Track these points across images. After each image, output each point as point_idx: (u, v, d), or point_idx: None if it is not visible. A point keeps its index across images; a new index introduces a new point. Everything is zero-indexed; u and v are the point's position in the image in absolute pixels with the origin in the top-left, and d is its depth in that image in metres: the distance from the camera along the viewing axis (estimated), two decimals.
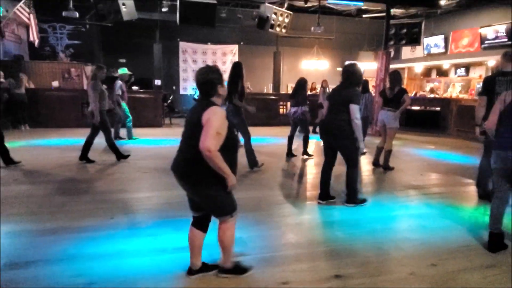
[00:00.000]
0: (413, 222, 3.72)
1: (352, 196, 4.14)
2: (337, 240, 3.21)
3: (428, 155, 7.40)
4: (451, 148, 8.26)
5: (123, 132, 8.30)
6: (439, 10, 13.16)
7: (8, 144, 5.54)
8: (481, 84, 13.28)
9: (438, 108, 11.02)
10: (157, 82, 14.22)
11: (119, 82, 8.02)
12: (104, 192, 4.42)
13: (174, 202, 4.08)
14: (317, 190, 4.47)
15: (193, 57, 16.00)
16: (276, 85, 15.45)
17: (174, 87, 15.72)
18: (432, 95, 13.85)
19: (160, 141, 8.31)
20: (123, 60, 15.16)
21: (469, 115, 9.91)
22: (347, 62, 4.20)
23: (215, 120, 2.12)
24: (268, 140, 8.54)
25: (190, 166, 2.25)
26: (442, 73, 15.33)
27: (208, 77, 2.26)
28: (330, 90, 10.46)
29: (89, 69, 13.44)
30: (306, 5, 11.31)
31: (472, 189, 5.01)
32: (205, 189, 2.28)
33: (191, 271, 2.51)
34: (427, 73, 16.23)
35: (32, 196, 4.16)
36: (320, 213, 3.99)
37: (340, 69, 16.96)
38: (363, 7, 13.39)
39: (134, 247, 2.96)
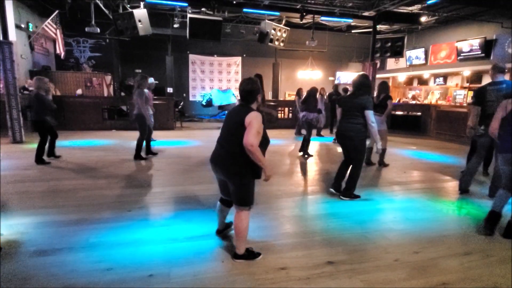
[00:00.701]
0: (397, 214, 3.71)
1: (350, 191, 4.16)
2: (330, 230, 3.20)
3: (411, 154, 7.38)
4: (430, 148, 8.23)
5: None
6: (420, 26, 13.16)
7: (37, 145, 5.56)
8: (457, 91, 13.29)
9: (419, 113, 10.98)
10: (169, 90, 14.25)
11: (145, 90, 8.08)
12: (122, 188, 4.42)
13: (185, 197, 4.09)
14: (313, 186, 4.50)
15: (201, 68, 16.01)
16: (275, 92, 15.45)
17: (184, 94, 15.73)
18: (413, 102, 13.82)
19: (172, 142, 8.31)
20: (139, 70, 15.18)
21: (446, 119, 9.90)
22: (361, 73, 4.21)
23: (256, 122, 2.33)
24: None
25: (231, 159, 2.44)
26: (422, 82, 15.29)
27: (251, 88, 2.47)
28: (327, 96, 10.55)
29: (108, 78, 13.50)
30: (301, 22, 11.31)
31: (449, 184, 5.01)
32: (241, 179, 2.45)
33: (219, 231, 2.97)
34: (409, 82, 16.20)
35: (58, 191, 4.17)
36: (314, 206, 3.99)
37: (332, 78, 17.09)
38: (352, 24, 13.40)
39: (149, 236, 2.96)
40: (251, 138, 2.27)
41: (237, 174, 2.44)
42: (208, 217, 3.43)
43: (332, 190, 4.33)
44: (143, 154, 6.21)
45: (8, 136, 7.51)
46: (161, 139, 8.61)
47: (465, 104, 11.26)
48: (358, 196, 4.18)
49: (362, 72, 4.29)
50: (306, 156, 6.79)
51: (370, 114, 3.82)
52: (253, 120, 2.33)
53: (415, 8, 10.78)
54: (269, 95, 15.99)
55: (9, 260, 2.49)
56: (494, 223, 3.15)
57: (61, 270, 2.37)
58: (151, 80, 8.39)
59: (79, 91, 11.85)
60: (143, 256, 2.60)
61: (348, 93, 9.35)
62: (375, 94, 6.24)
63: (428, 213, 3.74)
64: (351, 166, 4.15)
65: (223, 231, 2.99)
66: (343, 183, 4.28)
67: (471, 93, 12.10)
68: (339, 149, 4.36)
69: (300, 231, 3.19)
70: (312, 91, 6.85)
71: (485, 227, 3.17)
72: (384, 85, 5.99)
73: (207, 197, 4.07)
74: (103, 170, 5.30)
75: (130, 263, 2.49)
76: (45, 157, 5.69)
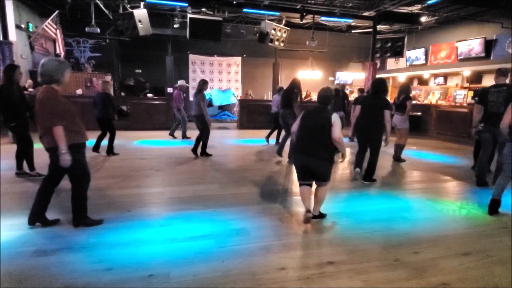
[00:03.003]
0: (397, 214, 3.70)
1: (370, 176, 4.88)
2: (329, 230, 3.20)
3: (411, 154, 7.37)
4: (431, 148, 8.24)
5: (178, 132, 8.99)
6: (420, 26, 13.17)
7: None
8: (457, 91, 13.33)
9: (419, 113, 10.99)
10: (169, 90, 14.22)
11: (178, 92, 8.34)
12: (121, 188, 4.42)
13: (185, 197, 4.09)
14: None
15: (201, 68, 16.01)
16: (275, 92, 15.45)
17: (184, 94, 15.71)
18: (414, 102, 13.81)
19: (172, 142, 8.31)
20: (139, 71, 15.20)
21: (446, 119, 9.90)
22: (378, 77, 4.90)
23: (339, 121, 3.17)
24: (271, 141, 8.51)
25: (323, 149, 3.20)
26: (422, 82, 15.30)
27: (329, 94, 3.34)
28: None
29: (109, 78, 13.48)
30: (301, 22, 11.32)
31: (449, 184, 5.02)
32: (327, 162, 3.25)
33: (308, 211, 3.40)
34: (409, 82, 16.21)
35: (58, 191, 4.11)
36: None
37: (332, 78, 17.10)
38: (352, 24, 13.40)
39: (149, 236, 2.96)
40: (338, 133, 3.12)
41: (326, 159, 3.23)
42: (208, 217, 3.43)
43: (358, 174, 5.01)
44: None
45: (8, 136, 7.51)
46: (160, 139, 8.63)
47: (465, 104, 11.26)
48: (375, 180, 4.92)
49: (380, 77, 4.85)
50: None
51: (388, 114, 4.58)
52: (337, 120, 3.16)
53: (415, 8, 10.79)
54: (269, 95, 16.02)
55: (9, 260, 2.49)
56: (497, 207, 3.66)
57: (61, 270, 2.36)
58: (182, 82, 8.66)
59: (79, 91, 11.84)
60: (143, 256, 2.60)
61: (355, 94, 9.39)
62: (397, 95, 6.52)
63: (428, 213, 3.74)
64: (371, 155, 4.82)
65: (318, 217, 3.43)
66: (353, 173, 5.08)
67: (471, 93, 12.10)
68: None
69: (300, 231, 3.19)
70: (336, 92, 7.25)
71: (490, 213, 3.67)
72: (405, 87, 6.47)
73: (207, 197, 4.07)
74: (103, 170, 5.30)
75: (130, 263, 2.49)
76: (103, 153, 6.47)
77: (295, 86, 6.12)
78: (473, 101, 10.96)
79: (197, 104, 6.21)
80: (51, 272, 2.34)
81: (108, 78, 13.45)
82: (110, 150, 6.50)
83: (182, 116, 8.66)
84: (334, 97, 3.36)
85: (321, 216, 3.44)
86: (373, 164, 4.83)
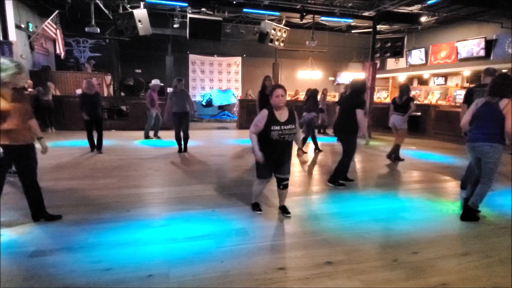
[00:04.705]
0: (396, 214, 3.70)
1: (336, 178, 4.60)
2: (328, 231, 3.19)
3: (410, 154, 7.37)
4: (430, 148, 8.24)
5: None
6: (420, 26, 13.17)
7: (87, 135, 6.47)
8: (457, 91, 13.34)
9: (419, 113, 10.98)
10: (169, 90, 14.23)
11: (150, 92, 8.32)
12: (120, 188, 4.42)
13: (184, 197, 4.09)
14: (312, 186, 4.54)
15: (201, 68, 16.01)
16: None
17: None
18: (414, 102, 13.80)
19: (171, 142, 8.29)
20: (139, 71, 15.20)
21: (446, 119, 9.90)
22: (360, 78, 4.83)
23: (257, 116, 3.18)
24: None
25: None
26: (422, 82, 15.30)
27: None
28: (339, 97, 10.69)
29: (108, 78, 13.49)
30: (301, 22, 11.31)
31: (449, 184, 5.01)
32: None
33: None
34: (409, 82, 16.20)
35: (56, 191, 4.16)
36: (313, 206, 4.00)
37: (332, 78, 17.08)
38: (352, 24, 13.42)
39: (148, 237, 2.96)
40: (250, 127, 3.20)
41: None
42: (207, 217, 3.43)
43: (343, 183, 4.67)
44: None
45: None
46: (159, 138, 8.62)
47: None
48: (343, 185, 4.59)
49: (361, 77, 4.72)
50: (302, 152, 7.08)
51: (361, 113, 4.33)
52: (258, 116, 3.15)
53: (415, 8, 10.78)
54: None
55: (9, 260, 2.49)
56: (472, 216, 3.51)
57: (60, 270, 2.37)
58: (156, 81, 8.58)
59: (78, 91, 11.83)
60: (142, 256, 2.61)
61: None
62: (397, 95, 6.45)
63: (427, 213, 3.74)
64: (342, 157, 4.56)
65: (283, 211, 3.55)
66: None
67: None
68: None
69: (299, 231, 3.19)
70: (313, 93, 7.21)
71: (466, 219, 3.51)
72: (405, 87, 6.36)
73: (206, 197, 4.07)
74: (102, 170, 5.30)
75: (129, 263, 2.49)
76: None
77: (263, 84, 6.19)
78: None
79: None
80: (50, 272, 2.34)
81: (109, 78, 13.48)
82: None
83: (149, 115, 8.53)
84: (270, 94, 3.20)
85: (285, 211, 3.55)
86: (342, 164, 4.56)
